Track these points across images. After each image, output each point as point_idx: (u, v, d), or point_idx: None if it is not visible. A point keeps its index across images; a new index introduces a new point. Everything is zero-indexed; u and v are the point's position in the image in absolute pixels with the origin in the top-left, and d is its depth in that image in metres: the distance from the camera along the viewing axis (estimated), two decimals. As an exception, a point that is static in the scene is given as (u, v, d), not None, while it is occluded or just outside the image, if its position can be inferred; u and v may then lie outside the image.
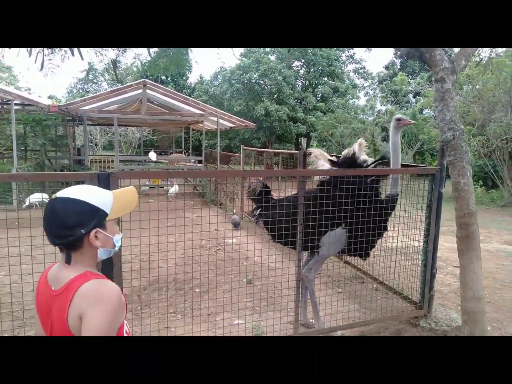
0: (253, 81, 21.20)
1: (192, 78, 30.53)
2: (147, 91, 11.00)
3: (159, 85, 12.07)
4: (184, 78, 28.53)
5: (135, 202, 1.29)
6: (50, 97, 27.14)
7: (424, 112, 19.94)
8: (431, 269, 3.68)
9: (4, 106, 11.18)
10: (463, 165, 2.88)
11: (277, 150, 14.15)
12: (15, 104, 9.94)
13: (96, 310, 1.06)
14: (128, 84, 12.71)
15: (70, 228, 1.13)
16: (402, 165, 3.83)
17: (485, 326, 3.01)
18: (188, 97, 13.47)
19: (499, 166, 12.90)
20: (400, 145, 3.62)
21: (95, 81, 32.16)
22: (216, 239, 5.84)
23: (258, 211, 3.65)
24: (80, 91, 31.02)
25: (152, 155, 13.57)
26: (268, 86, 21.28)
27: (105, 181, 2.46)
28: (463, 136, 2.91)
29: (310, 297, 3.57)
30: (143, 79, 11.34)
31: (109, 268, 2.49)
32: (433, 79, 3.05)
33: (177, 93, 12.78)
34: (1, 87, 10.21)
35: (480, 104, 12.35)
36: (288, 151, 12.86)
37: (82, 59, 4.73)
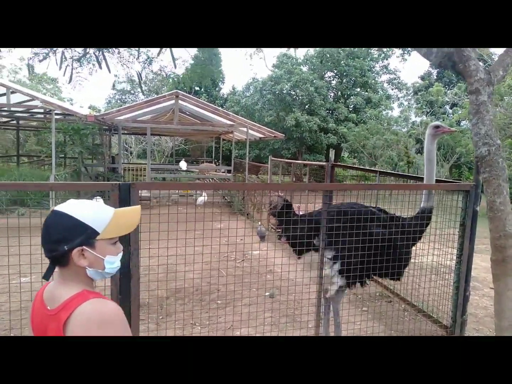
0: (284, 91, 21.25)
1: (225, 89, 31.15)
2: (179, 101, 11.27)
3: (191, 96, 12.35)
4: (217, 89, 29.07)
5: (137, 223, 1.24)
6: (90, 108, 28.45)
7: (462, 124, 19.18)
8: (464, 292, 3.45)
9: (47, 115, 11.80)
10: (499, 183, 2.68)
11: (305, 162, 14.04)
12: (56, 114, 10.47)
13: (107, 331, 1.01)
14: (161, 95, 13.10)
15: (54, 242, 1.10)
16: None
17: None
18: (218, 107, 13.69)
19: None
20: (435, 155, 3.43)
21: (132, 92, 33.41)
22: (237, 251, 5.79)
23: (280, 227, 3.58)
24: (118, 101, 32.32)
25: (183, 164, 13.85)
26: (300, 97, 21.24)
27: (126, 192, 2.47)
28: (500, 152, 2.72)
29: (333, 317, 3.44)
30: (175, 90, 11.65)
31: (127, 279, 2.49)
32: (467, 90, 2.89)
33: (208, 103, 13.02)
34: (43, 97, 10.80)
35: (523, 116, 11.72)
36: (317, 163, 12.71)
37: (110, 72, 4.88)
